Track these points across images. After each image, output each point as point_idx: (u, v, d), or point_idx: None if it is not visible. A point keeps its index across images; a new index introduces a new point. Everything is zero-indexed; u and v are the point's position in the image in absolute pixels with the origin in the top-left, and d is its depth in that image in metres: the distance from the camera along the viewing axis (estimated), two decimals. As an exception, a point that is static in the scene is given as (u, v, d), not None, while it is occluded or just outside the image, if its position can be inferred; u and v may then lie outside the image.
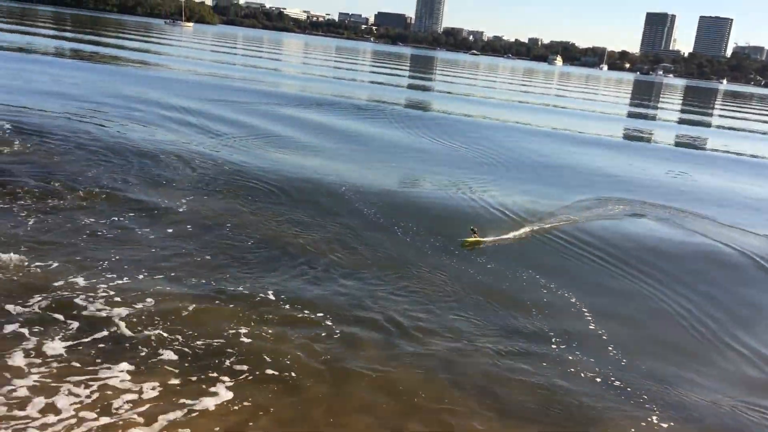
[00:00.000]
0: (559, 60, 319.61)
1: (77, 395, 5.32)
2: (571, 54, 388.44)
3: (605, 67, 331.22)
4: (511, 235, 10.93)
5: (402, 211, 11.78)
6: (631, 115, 49.27)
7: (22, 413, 5.03)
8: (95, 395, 5.35)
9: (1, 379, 5.47)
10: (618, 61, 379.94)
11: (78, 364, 5.79)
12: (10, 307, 6.66)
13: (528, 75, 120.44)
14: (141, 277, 7.75)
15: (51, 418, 4.98)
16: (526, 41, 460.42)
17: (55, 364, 5.74)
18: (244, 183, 12.56)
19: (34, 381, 5.48)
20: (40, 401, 5.20)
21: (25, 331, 6.26)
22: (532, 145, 22.79)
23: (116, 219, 9.68)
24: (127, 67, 37.26)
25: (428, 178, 15.13)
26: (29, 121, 15.90)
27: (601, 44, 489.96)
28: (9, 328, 6.27)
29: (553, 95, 61.32)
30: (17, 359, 5.76)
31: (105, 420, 5.04)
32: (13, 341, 6.06)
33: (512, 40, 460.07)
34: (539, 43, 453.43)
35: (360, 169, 15.43)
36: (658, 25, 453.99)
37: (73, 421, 4.98)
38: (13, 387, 5.37)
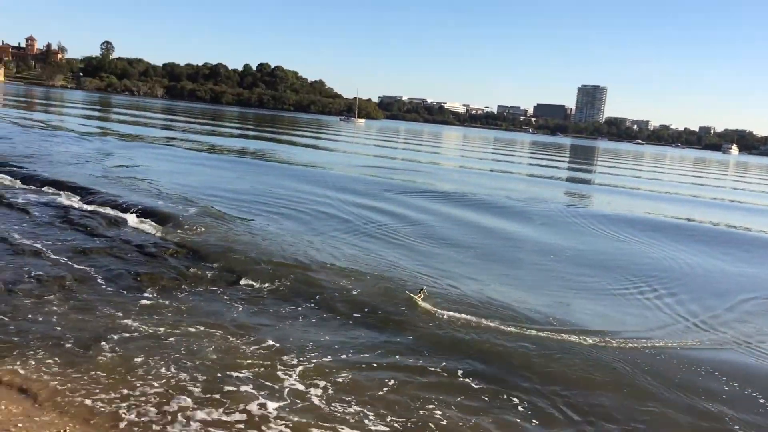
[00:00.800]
0: (734, 149, 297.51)
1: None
2: (748, 143, 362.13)
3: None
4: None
5: (570, 313, 12.06)
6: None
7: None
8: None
9: (255, 425, 7.02)
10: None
11: (303, 419, 7.20)
12: (236, 373, 8.09)
13: (699, 165, 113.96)
14: (344, 356, 8.94)
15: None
16: (697, 129, 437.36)
17: (295, 417, 7.22)
18: (405, 272, 13.56)
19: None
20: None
21: (254, 391, 7.70)
22: (711, 247, 21.65)
23: (302, 305, 11.00)
24: (309, 156, 41.07)
25: (592, 280, 15.06)
26: (218, 209, 18.31)
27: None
28: (243, 389, 7.71)
29: (730, 188, 57.50)
30: (255, 408, 7.33)
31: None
32: (246, 397, 7.52)
33: (681, 128, 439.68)
34: (711, 131, 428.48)
35: (518, 277, 14.99)
36: None
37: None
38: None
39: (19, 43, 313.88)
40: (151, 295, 10.79)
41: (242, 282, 11.90)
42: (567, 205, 29.47)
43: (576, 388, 8.51)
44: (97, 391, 7.39)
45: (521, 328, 10.51)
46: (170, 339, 8.98)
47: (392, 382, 8.21)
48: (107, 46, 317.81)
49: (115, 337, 8.87)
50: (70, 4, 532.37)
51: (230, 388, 7.67)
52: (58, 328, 9.03)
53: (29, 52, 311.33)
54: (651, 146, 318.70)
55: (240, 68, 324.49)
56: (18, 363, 7.88)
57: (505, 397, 8.10)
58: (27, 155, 26.97)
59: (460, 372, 8.70)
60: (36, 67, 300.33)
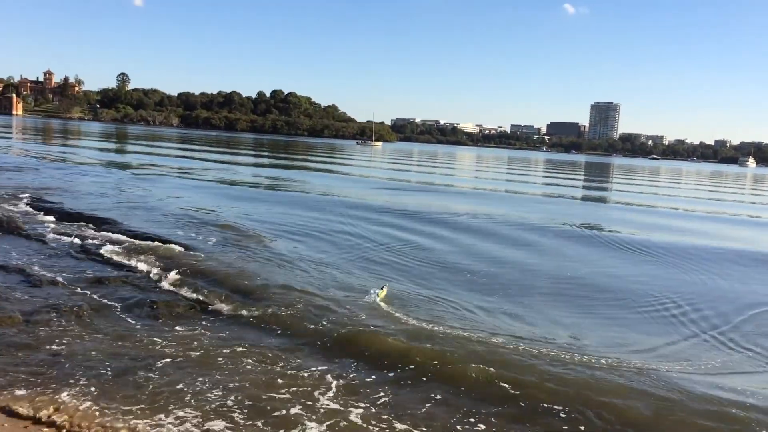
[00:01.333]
0: (751, 161, 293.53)
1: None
2: (765, 154, 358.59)
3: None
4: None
5: (596, 335, 12.16)
6: None
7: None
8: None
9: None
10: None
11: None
12: (276, 394, 8.30)
13: (716, 179, 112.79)
14: (385, 373, 9.15)
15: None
16: (712, 143, 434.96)
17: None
18: (430, 294, 13.72)
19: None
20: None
21: (302, 411, 7.89)
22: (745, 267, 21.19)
23: (330, 325, 10.98)
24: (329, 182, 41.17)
25: (615, 302, 14.85)
26: (236, 236, 18.62)
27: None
28: (293, 410, 7.89)
29: (748, 203, 56.64)
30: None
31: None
32: (296, 420, 7.68)
33: (696, 142, 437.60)
34: (728, 144, 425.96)
35: (548, 299, 15.01)
36: None
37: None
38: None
39: (38, 78, 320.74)
40: (171, 323, 10.89)
41: (263, 306, 11.87)
42: (582, 226, 29.09)
43: (612, 404, 8.48)
44: (138, 414, 7.58)
45: (555, 348, 10.54)
46: (200, 366, 9.02)
47: (438, 396, 8.41)
48: (123, 78, 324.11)
49: (147, 364, 8.96)
50: (87, 38, 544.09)
51: (277, 412, 7.79)
52: (89, 356, 9.10)
53: (47, 85, 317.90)
54: (666, 161, 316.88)
55: (254, 95, 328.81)
56: (57, 393, 7.97)
57: (546, 404, 8.27)
58: (47, 187, 27.40)
59: (499, 384, 8.81)
60: (54, 100, 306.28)
